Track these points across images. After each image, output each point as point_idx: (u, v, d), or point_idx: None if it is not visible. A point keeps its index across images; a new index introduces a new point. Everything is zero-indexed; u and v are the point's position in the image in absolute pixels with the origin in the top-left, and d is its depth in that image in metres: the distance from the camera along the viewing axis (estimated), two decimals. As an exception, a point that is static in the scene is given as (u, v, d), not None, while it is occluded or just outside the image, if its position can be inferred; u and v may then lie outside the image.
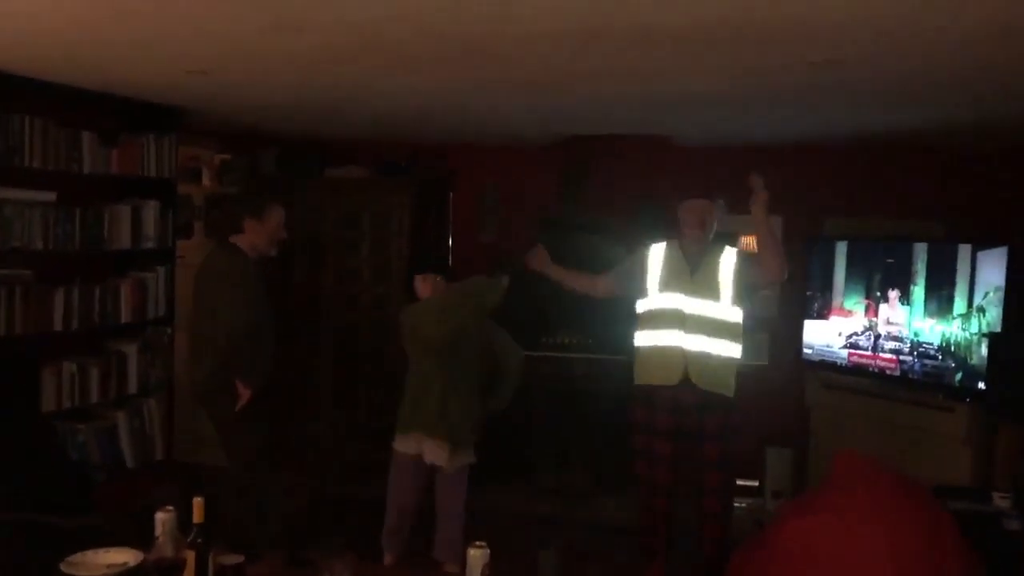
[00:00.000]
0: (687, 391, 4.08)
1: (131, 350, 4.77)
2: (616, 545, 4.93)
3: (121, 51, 3.41)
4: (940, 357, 4.85)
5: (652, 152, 5.94)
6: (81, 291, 4.41)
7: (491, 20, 2.72)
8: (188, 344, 4.44)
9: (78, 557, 2.78)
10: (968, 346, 4.68)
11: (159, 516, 2.70)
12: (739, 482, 5.82)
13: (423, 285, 4.09)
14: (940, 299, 4.86)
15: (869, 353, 5.24)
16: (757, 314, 5.77)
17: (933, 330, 4.88)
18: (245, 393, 4.15)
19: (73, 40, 3.26)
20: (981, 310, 4.61)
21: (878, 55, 3.08)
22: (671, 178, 5.77)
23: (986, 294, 4.59)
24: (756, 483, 5.81)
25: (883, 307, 5.16)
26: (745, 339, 4.23)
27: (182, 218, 5.96)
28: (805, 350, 5.63)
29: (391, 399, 5.97)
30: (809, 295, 5.63)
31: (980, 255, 4.65)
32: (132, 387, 4.77)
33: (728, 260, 4.14)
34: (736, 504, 5.71)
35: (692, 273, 4.14)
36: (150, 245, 4.85)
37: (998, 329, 4.50)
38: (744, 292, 4.14)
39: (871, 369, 5.24)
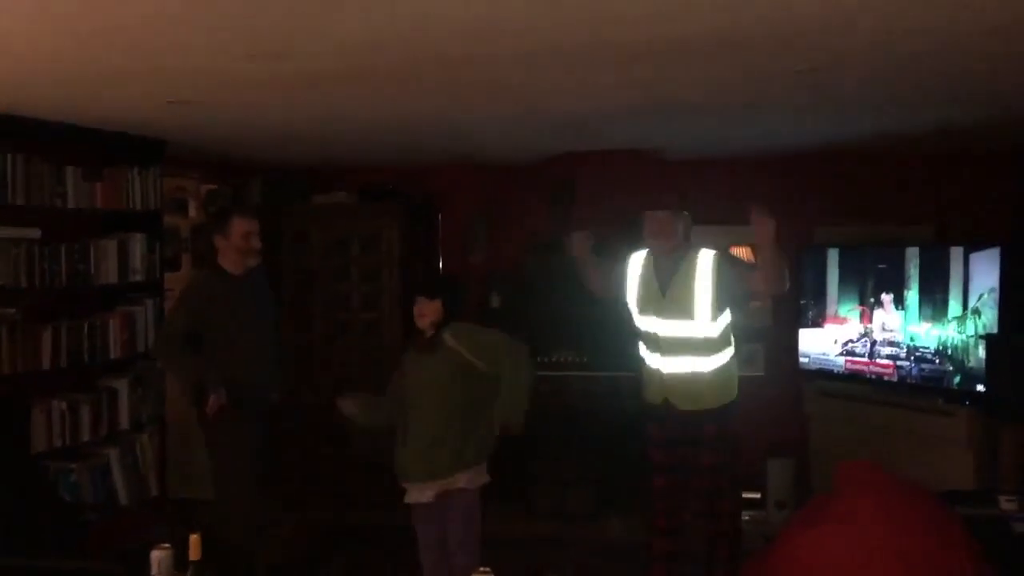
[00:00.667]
0: (670, 410, 4.05)
1: (122, 385, 4.70)
2: (620, 566, 4.86)
3: (102, 83, 3.38)
4: (937, 361, 4.83)
5: (641, 167, 5.94)
6: (69, 328, 4.35)
7: (472, 41, 2.71)
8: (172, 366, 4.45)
9: (71, 600, 2.71)
10: (965, 349, 4.66)
11: (155, 554, 2.65)
12: (742, 495, 5.78)
13: (421, 308, 3.82)
14: (935, 303, 4.84)
15: (866, 360, 5.22)
16: (752, 325, 5.76)
17: (929, 334, 4.86)
18: (215, 400, 4.07)
19: (53, 74, 3.22)
20: (976, 312, 4.60)
21: (862, 62, 3.08)
22: (661, 193, 5.75)
23: (981, 296, 4.58)
24: (759, 495, 5.76)
25: (878, 312, 5.14)
26: (740, 349, 4.15)
27: (169, 250, 5.91)
28: (801, 359, 5.60)
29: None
30: (803, 304, 5.61)
31: (973, 257, 4.64)
32: (124, 423, 4.70)
33: (704, 269, 3.94)
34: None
35: (664, 292, 4.00)
36: (138, 278, 4.79)
37: (994, 330, 4.48)
38: (726, 303, 3.95)
39: (868, 376, 5.21)
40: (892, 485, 3.34)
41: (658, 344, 4.04)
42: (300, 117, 4.17)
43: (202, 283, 4.33)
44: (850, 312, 5.32)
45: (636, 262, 4.16)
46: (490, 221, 6.43)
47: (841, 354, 5.37)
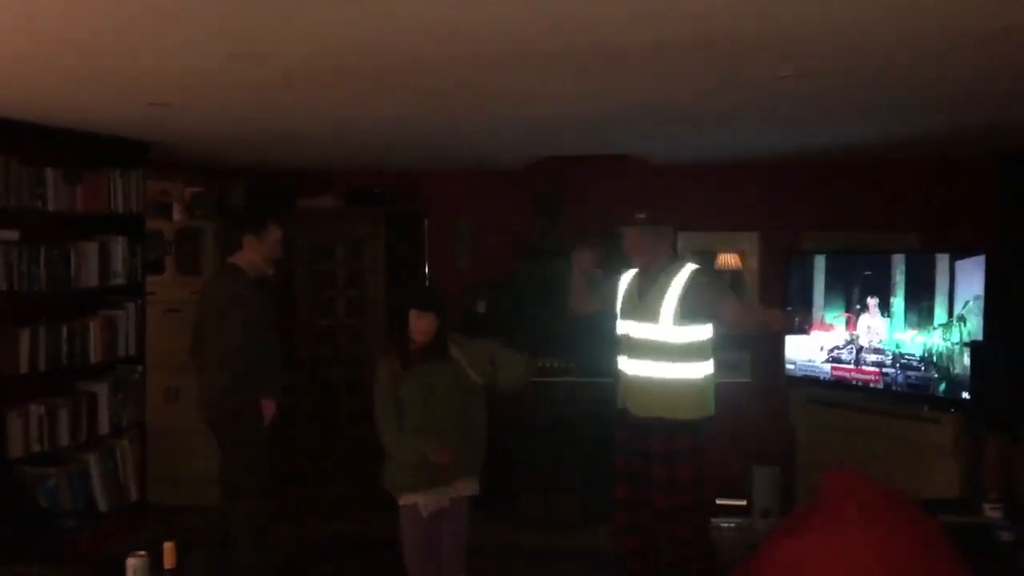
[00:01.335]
0: (630, 416, 4.04)
1: (102, 390, 4.65)
2: (605, 574, 4.83)
3: (81, 85, 3.34)
4: (923, 368, 4.82)
5: (628, 172, 5.94)
6: (48, 331, 4.30)
7: (452, 44, 2.68)
8: (198, 371, 4.44)
9: (45, 608, 2.67)
10: (950, 356, 4.66)
11: (130, 562, 2.62)
12: (727, 502, 5.76)
13: (420, 322, 3.77)
14: (920, 310, 4.84)
15: (852, 367, 5.21)
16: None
17: (915, 341, 4.86)
18: (270, 409, 4.22)
19: (30, 75, 3.19)
20: (962, 319, 4.59)
21: (847, 68, 3.07)
22: (648, 198, 5.75)
23: (966, 303, 4.58)
24: (744, 502, 5.75)
25: (863, 318, 5.14)
26: (725, 357, 4.13)
27: (153, 253, 5.87)
28: (787, 366, 5.59)
29: (371, 436, 5.91)
30: (789, 310, 5.58)
31: (958, 264, 4.64)
32: (103, 428, 4.65)
33: (679, 279, 3.96)
34: (724, 524, 5.65)
35: (641, 298, 4.05)
36: (119, 282, 4.75)
37: (980, 338, 4.48)
38: (690, 312, 3.92)
39: (854, 383, 5.20)
40: (875, 494, 3.33)
41: (628, 347, 4.07)
42: (282, 120, 4.13)
43: (241, 287, 4.27)
44: (836, 319, 5.31)
45: (627, 277, 4.22)
46: (476, 226, 6.41)
47: (827, 361, 5.36)
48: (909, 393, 4.91)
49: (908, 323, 4.90)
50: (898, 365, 4.95)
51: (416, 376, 3.77)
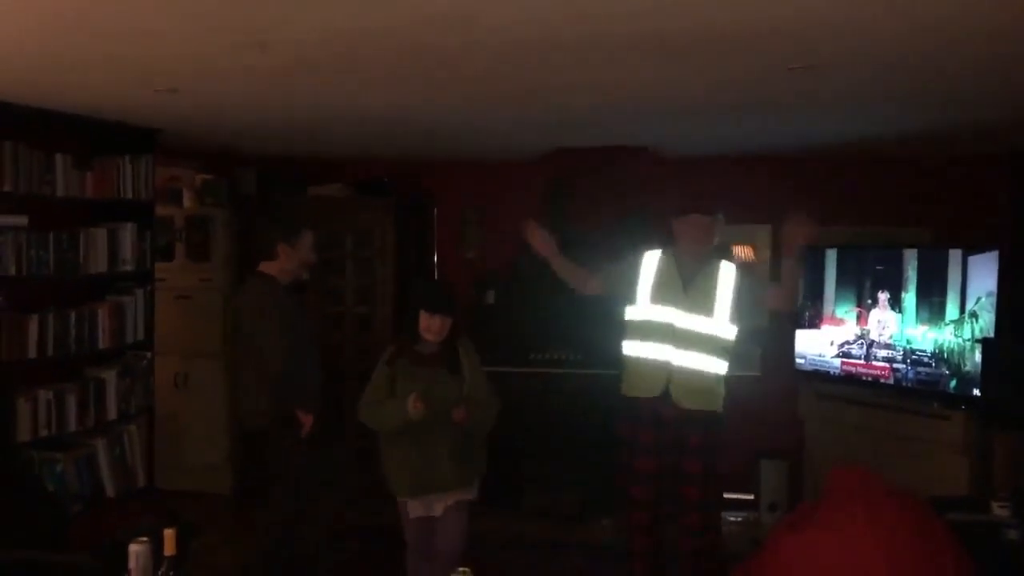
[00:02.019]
0: (668, 405, 3.99)
1: (110, 376, 4.67)
2: (608, 567, 4.82)
3: (89, 71, 3.34)
4: (933, 364, 4.78)
5: (638, 164, 5.89)
6: (56, 316, 4.32)
7: (466, 33, 2.66)
8: (232, 380, 4.39)
9: (49, 593, 2.68)
10: (961, 352, 4.61)
11: (133, 548, 2.61)
12: (735, 496, 5.74)
13: (432, 323, 3.62)
14: (932, 305, 4.79)
15: (862, 362, 5.17)
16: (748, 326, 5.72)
17: (926, 337, 4.81)
18: (307, 420, 4.10)
19: (39, 61, 3.19)
20: (974, 315, 4.55)
21: (856, 61, 3.03)
22: (658, 190, 5.72)
23: (978, 299, 4.53)
24: (751, 497, 5.73)
25: (874, 312, 5.09)
26: (735, 352, 4.12)
27: (163, 240, 5.89)
28: (797, 360, 5.55)
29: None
30: (800, 304, 5.55)
31: (971, 260, 4.59)
32: (111, 414, 4.67)
33: (727, 277, 4.01)
34: (732, 518, 5.63)
35: (685, 287, 4.02)
36: (127, 268, 4.76)
37: (991, 334, 4.43)
38: (744, 312, 4.01)
39: (864, 378, 5.16)
40: (882, 492, 3.30)
41: (673, 336, 3.99)
42: (291, 108, 4.12)
43: (279, 296, 4.16)
44: (847, 313, 5.27)
45: (651, 260, 4.14)
46: (485, 217, 6.39)
47: (837, 356, 5.32)
48: (919, 389, 4.86)
49: (919, 319, 4.85)
50: (909, 361, 4.91)
51: (425, 378, 3.63)
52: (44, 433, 4.28)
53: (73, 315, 4.42)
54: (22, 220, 4.16)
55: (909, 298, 4.91)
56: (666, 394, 3.98)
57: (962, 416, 4.64)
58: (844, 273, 5.31)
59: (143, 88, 3.62)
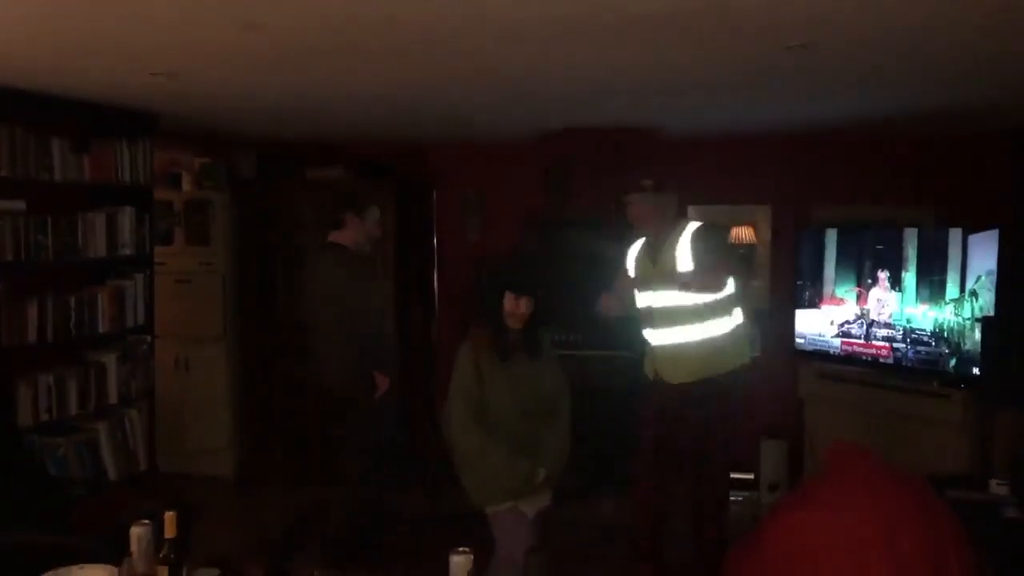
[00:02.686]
0: (663, 384, 4.02)
1: (110, 360, 4.67)
2: (611, 544, 4.85)
3: (84, 54, 3.32)
4: (933, 343, 4.78)
5: (638, 144, 5.87)
6: (55, 301, 4.32)
7: (465, 12, 2.64)
8: (311, 347, 4.52)
9: (51, 575, 2.69)
10: (961, 331, 4.61)
11: (134, 531, 2.62)
12: (735, 476, 5.75)
13: (519, 306, 3.39)
14: (932, 284, 4.79)
15: (862, 341, 5.17)
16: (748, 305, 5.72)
17: (926, 316, 4.81)
18: (384, 382, 4.29)
19: (35, 44, 3.17)
20: (974, 294, 4.54)
21: (854, 38, 3.01)
22: (658, 170, 5.68)
23: (978, 278, 4.52)
24: (751, 476, 5.74)
25: (874, 292, 5.09)
26: (731, 306, 4.03)
27: (162, 224, 5.89)
28: (797, 340, 5.56)
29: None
30: (800, 284, 5.55)
31: (971, 239, 4.58)
32: (112, 398, 4.68)
33: (684, 239, 3.95)
34: (732, 498, 5.64)
35: (654, 266, 4.04)
36: (127, 252, 4.76)
37: (991, 313, 4.43)
38: (709, 269, 3.89)
39: (864, 357, 5.17)
40: (881, 470, 3.31)
41: (651, 318, 4.03)
42: (287, 90, 4.10)
43: (355, 264, 4.41)
44: (847, 293, 5.26)
45: (634, 249, 4.19)
46: (486, 199, 6.37)
47: (837, 335, 5.32)
48: (919, 368, 4.87)
49: (919, 298, 4.85)
50: (908, 340, 4.91)
51: (507, 374, 3.37)
52: (45, 418, 4.29)
53: (73, 300, 4.42)
54: (20, 205, 4.16)
55: (909, 277, 4.91)
56: (658, 376, 4.03)
57: (961, 395, 4.64)
58: (844, 253, 5.31)
59: (140, 72, 3.60)
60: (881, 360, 5.07)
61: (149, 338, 4.94)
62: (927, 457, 4.56)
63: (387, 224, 5.92)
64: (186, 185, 6.17)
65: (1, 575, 2.98)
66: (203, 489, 5.61)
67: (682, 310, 3.95)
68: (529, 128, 5.63)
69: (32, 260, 4.17)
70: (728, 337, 4.01)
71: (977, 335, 4.47)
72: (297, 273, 6.01)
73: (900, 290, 4.95)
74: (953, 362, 4.66)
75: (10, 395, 4.11)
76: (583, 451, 5.68)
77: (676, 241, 3.97)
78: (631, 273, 4.19)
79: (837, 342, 5.33)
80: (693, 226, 4.00)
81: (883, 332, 5.06)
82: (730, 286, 4.01)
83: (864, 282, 5.17)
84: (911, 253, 4.90)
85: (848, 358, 5.27)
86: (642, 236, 4.13)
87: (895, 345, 4.99)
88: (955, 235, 4.67)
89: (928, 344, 4.81)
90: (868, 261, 5.17)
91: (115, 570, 2.65)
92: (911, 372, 4.92)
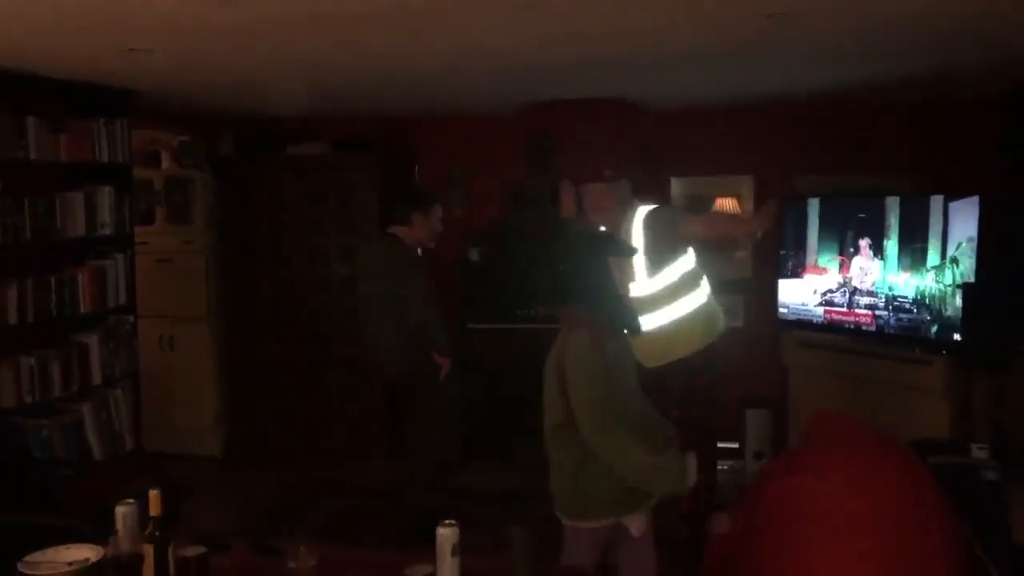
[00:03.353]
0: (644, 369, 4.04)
1: (93, 340, 4.65)
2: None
3: (60, 31, 3.27)
4: (915, 310, 4.81)
5: (619, 117, 5.85)
6: (35, 282, 4.28)
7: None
8: (366, 333, 4.72)
9: (38, 556, 2.68)
10: (943, 298, 4.64)
11: (119, 510, 2.61)
12: (721, 445, 5.79)
13: (622, 269, 3.07)
14: (913, 252, 4.81)
15: (845, 310, 5.20)
16: (731, 276, 5.74)
17: (908, 284, 4.84)
18: (445, 363, 4.52)
19: (6, 21, 3.11)
20: (955, 261, 4.57)
21: (835, 6, 2.99)
22: (640, 143, 5.69)
23: (959, 245, 4.55)
24: (736, 445, 5.79)
25: (856, 260, 5.11)
26: (691, 286, 4.02)
27: (143, 203, 5.84)
28: (781, 309, 5.58)
29: (364, 385, 5.93)
30: (783, 254, 5.57)
31: (952, 206, 4.60)
32: (96, 378, 4.66)
33: (636, 228, 3.90)
34: (717, 467, 5.68)
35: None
36: (107, 232, 4.72)
37: (972, 279, 4.45)
38: (666, 251, 3.85)
39: (847, 326, 5.20)
40: (864, 436, 3.32)
41: None
42: (265, 65, 4.06)
43: (416, 255, 4.67)
44: (830, 262, 5.28)
45: None
46: (468, 173, 6.34)
47: (820, 304, 5.35)
48: (901, 335, 4.90)
49: (901, 265, 4.88)
50: (891, 308, 4.94)
51: (622, 353, 2.90)
52: (28, 400, 4.27)
53: (53, 280, 4.39)
54: (-5, 185, 4.11)
55: (891, 245, 4.93)
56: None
57: (943, 361, 4.68)
58: (826, 222, 5.32)
59: (116, 49, 3.55)
60: (864, 328, 5.11)
61: (132, 318, 4.91)
62: (909, 423, 4.60)
63: (368, 200, 5.91)
64: (166, 163, 6.11)
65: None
66: (190, 468, 5.61)
67: (648, 298, 3.94)
68: (510, 99, 5.60)
69: (10, 241, 4.13)
70: (698, 314, 3.98)
71: (958, 301, 4.50)
72: (280, 251, 5.98)
73: (882, 258, 4.98)
74: (935, 329, 4.70)
75: (-8, 378, 4.08)
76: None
77: (629, 231, 3.93)
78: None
79: (820, 311, 5.35)
80: (643, 210, 3.95)
81: (865, 300, 5.09)
82: (690, 259, 3.99)
83: (846, 251, 5.19)
84: (893, 221, 4.92)
85: (831, 326, 5.30)
86: (600, 225, 4.03)
87: (877, 313, 5.02)
88: (936, 203, 4.69)
89: (910, 311, 4.84)
90: (850, 230, 5.18)
91: (101, 549, 2.65)
92: (893, 339, 4.96)
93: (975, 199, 4.50)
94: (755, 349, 5.79)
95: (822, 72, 4.54)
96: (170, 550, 2.45)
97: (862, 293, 5.10)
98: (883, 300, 4.98)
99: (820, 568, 2.98)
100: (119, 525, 2.58)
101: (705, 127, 5.98)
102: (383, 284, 4.56)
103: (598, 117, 5.74)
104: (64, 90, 4.41)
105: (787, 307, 5.55)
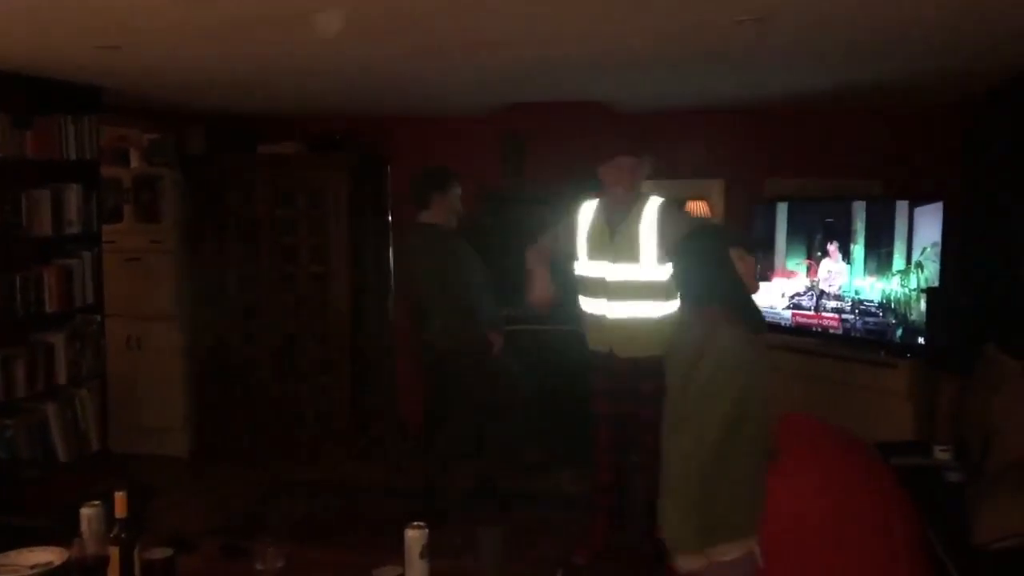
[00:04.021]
0: (614, 357, 4.05)
1: (59, 340, 4.59)
2: (570, 517, 4.88)
3: (25, 26, 3.23)
4: (881, 314, 4.88)
5: (592, 119, 5.87)
6: (0, 281, 4.22)
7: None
8: (417, 317, 4.96)
9: (0, 558, 2.66)
10: (908, 302, 4.71)
11: (84, 512, 2.59)
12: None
13: (748, 268, 2.65)
14: (880, 256, 4.87)
15: (812, 313, 5.26)
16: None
17: (874, 287, 4.91)
18: (498, 340, 4.70)
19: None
20: (919, 266, 4.64)
21: (804, 12, 3.03)
22: (612, 145, 5.69)
23: (924, 250, 4.62)
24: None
25: (824, 263, 5.17)
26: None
27: (111, 201, 5.77)
28: (749, 312, 5.62)
29: (334, 384, 5.92)
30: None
31: (917, 211, 4.67)
32: (61, 378, 4.61)
33: (650, 215, 3.96)
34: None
35: (612, 236, 4.01)
36: (74, 231, 4.66)
37: (936, 284, 4.52)
38: (671, 247, 3.87)
39: (814, 329, 5.26)
40: (829, 437, 3.38)
41: (605, 289, 4.02)
42: (236, 64, 4.03)
43: (455, 236, 4.73)
44: (797, 266, 5.34)
45: (587, 210, 4.15)
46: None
47: (788, 307, 5.40)
48: (867, 339, 4.96)
49: (867, 270, 4.94)
50: (857, 311, 5.01)
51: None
52: (-8, 400, 4.21)
53: (19, 279, 4.33)
54: (-41, 182, 4.06)
55: (858, 250, 4.99)
56: (611, 350, 4.05)
57: (907, 364, 4.75)
58: (794, 225, 5.37)
59: (84, 45, 3.51)
60: (831, 331, 5.17)
61: (99, 317, 4.86)
62: (874, 425, 4.65)
63: (340, 199, 5.89)
64: (135, 161, 6.05)
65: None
66: (158, 469, 5.56)
67: (642, 285, 3.95)
68: (482, 101, 5.61)
69: (-26, 239, 4.08)
70: (674, 320, 4.01)
71: (923, 306, 4.57)
72: (250, 249, 5.95)
73: (849, 262, 5.04)
74: (900, 332, 4.76)
75: (-46, 376, 4.02)
76: (540, 425, 5.75)
77: (640, 214, 3.96)
78: (582, 236, 4.14)
79: (788, 314, 5.41)
80: (656, 201, 4.00)
81: (832, 304, 5.15)
82: (665, 270, 4.00)
83: (814, 255, 5.25)
84: (860, 226, 4.98)
85: (799, 329, 5.36)
86: (611, 198, 4.05)
87: (844, 316, 5.08)
88: (902, 207, 4.75)
89: (876, 315, 4.91)
90: (818, 234, 5.24)
91: (65, 552, 2.62)
92: (859, 342, 5.02)
93: (939, 205, 4.57)
94: (724, 351, 5.81)
95: (791, 77, 4.59)
96: (136, 552, 2.43)
97: (829, 297, 5.16)
98: (850, 304, 5.04)
99: (786, 567, 3.02)
100: (84, 527, 2.56)
101: (676, 130, 6.02)
102: (430, 269, 4.69)
103: (572, 119, 5.76)
104: (31, 86, 4.36)
105: (756, 310, 5.59)
